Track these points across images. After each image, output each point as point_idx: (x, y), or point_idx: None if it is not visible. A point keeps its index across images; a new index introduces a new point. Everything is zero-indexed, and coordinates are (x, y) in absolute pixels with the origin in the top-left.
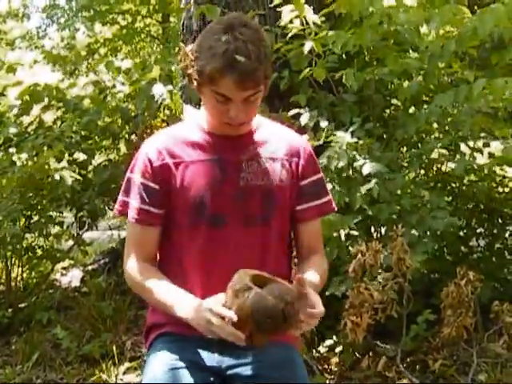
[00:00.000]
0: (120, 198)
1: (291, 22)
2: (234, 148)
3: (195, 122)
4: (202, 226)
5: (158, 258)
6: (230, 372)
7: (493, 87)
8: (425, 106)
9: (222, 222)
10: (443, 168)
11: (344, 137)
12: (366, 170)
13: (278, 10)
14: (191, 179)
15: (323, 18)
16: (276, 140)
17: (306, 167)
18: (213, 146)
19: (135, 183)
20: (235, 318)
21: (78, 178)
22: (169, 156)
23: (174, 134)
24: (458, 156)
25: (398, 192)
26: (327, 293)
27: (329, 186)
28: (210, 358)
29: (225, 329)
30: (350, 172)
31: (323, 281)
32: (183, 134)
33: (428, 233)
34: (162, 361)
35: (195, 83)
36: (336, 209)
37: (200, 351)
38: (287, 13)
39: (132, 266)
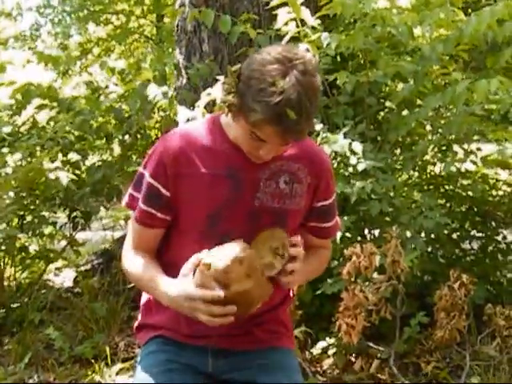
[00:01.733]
0: (130, 190)
1: (286, 24)
2: (253, 165)
3: (218, 126)
4: (209, 241)
5: (164, 262)
6: (225, 377)
7: (476, 88)
8: (417, 109)
9: (228, 239)
10: (437, 170)
11: (337, 139)
12: (361, 167)
13: (274, 12)
14: (204, 192)
15: (319, 21)
16: (298, 158)
17: (324, 191)
18: (232, 159)
19: (145, 181)
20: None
21: (74, 177)
22: (185, 164)
23: (193, 137)
24: (448, 159)
25: (391, 194)
26: (318, 292)
27: None
28: (205, 364)
29: (214, 321)
30: (342, 170)
31: (319, 265)
32: (204, 139)
33: (421, 233)
34: (156, 362)
35: (233, 111)
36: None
37: (195, 356)
38: (283, 15)
39: (127, 250)
